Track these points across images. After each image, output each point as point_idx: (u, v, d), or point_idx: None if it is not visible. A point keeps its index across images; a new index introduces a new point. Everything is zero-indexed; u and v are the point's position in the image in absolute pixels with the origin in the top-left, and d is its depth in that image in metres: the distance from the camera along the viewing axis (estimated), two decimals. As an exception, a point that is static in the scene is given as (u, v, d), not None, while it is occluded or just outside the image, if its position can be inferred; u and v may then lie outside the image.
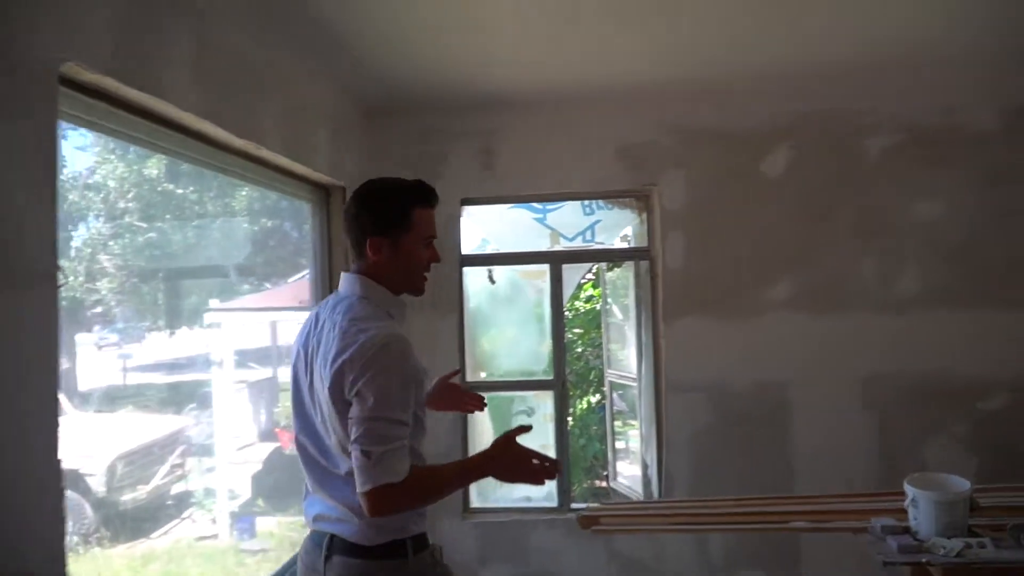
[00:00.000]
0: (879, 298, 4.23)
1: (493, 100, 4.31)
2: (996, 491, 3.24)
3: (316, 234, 4.00)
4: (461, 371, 2.86)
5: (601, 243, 4.65)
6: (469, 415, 4.32)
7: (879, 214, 4.24)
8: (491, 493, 4.61)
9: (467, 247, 4.63)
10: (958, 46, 3.72)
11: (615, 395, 5.53)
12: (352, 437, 1.86)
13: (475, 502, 4.54)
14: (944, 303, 4.19)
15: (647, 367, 4.48)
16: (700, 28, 3.35)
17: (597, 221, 4.63)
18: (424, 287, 2.16)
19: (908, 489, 2.88)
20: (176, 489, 8.77)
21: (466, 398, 2.64)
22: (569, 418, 7.52)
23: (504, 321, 4.75)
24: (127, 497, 8.00)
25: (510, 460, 2.00)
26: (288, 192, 3.80)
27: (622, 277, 4.81)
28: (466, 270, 4.54)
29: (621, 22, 3.25)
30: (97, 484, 7.76)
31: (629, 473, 5.36)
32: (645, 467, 4.53)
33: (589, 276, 6.79)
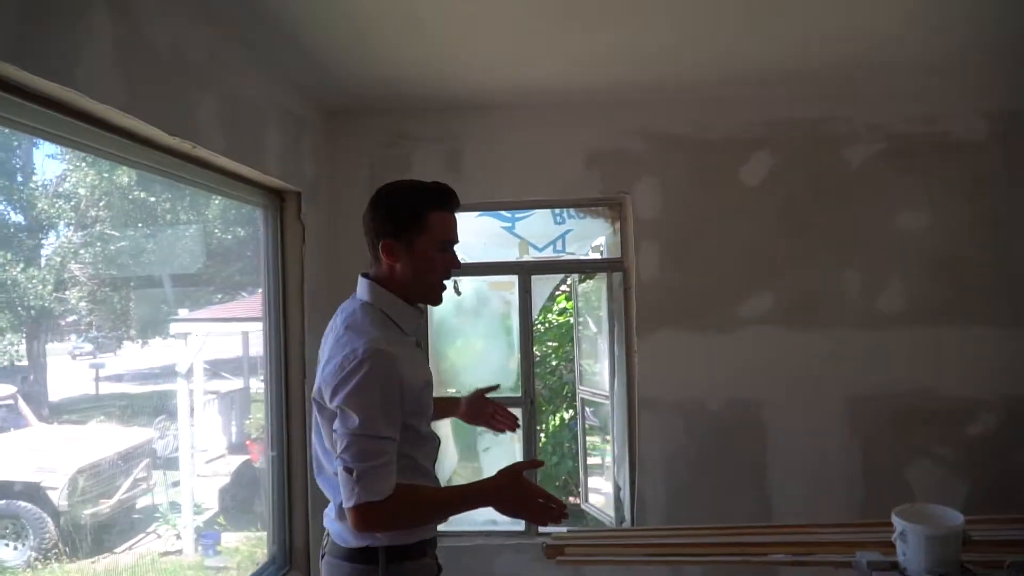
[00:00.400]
0: (861, 313, 4.05)
1: (459, 103, 4.12)
2: (990, 523, 3.03)
3: (268, 242, 3.77)
4: (497, 387, 2.69)
5: (572, 253, 4.45)
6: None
7: (861, 225, 4.06)
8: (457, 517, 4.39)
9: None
10: (939, 52, 3.56)
11: (588, 411, 5.32)
12: (337, 451, 1.84)
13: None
14: (929, 319, 4.02)
15: (619, 383, 4.28)
16: (675, 31, 3.17)
17: (568, 231, 4.43)
18: (441, 296, 2.08)
19: (896, 522, 2.67)
20: (141, 503, 8.54)
21: (497, 415, 2.53)
22: (541, 435, 7.32)
23: (471, 334, 4.53)
24: (89, 511, 7.74)
25: (516, 494, 1.92)
26: (236, 197, 3.57)
27: (595, 289, 4.62)
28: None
29: (593, 23, 3.06)
30: (59, 498, 7.50)
31: (606, 490, 5.14)
32: (617, 489, 4.32)
33: (564, 288, 6.60)
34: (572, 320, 5.27)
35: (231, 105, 3.05)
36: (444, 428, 4.38)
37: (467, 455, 4.57)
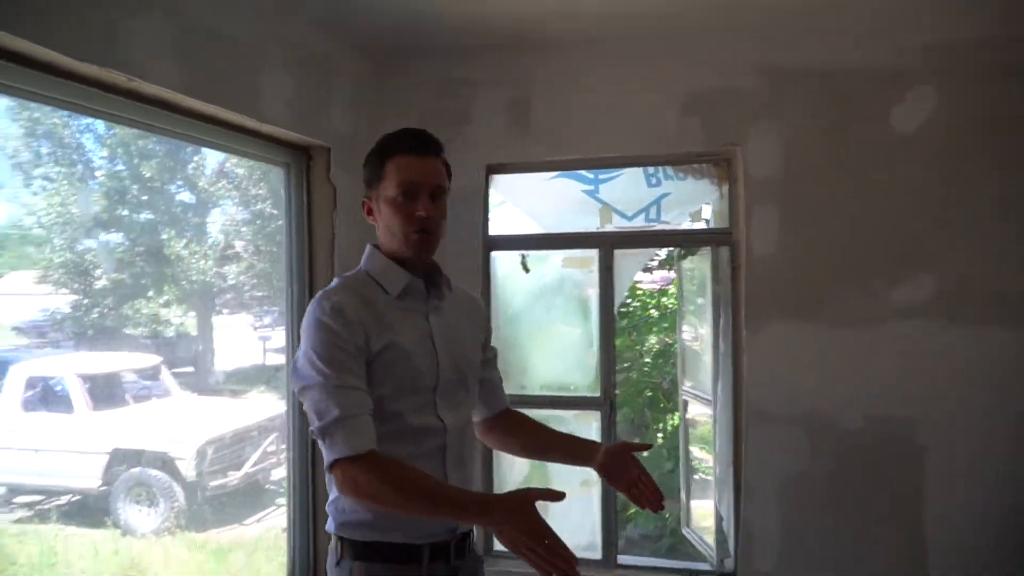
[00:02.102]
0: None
1: (525, 38, 3.36)
2: None
3: (290, 207, 3.20)
4: (650, 446, 2.23)
5: (667, 223, 3.60)
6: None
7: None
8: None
9: (499, 227, 3.70)
10: None
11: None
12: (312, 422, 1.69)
13: (499, 544, 3.61)
14: None
15: (723, 386, 3.41)
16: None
17: (664, 195, 3.58)
18: (415, 248, 1.80)
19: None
20: (271, 476, 8.60)
21: (640, 483, 1.96)
22: (659, 436, 6.42)
23: (543, 321, 3.78)
24: (216, 482, 7.85)
25: (520, 523, 1.59)
26: (245, 154, 3.03)
27: (700, 267, 3.75)
28: (495, 256, 3.63)
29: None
30: (186, 468, 7.64)
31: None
32: (719, 519, 3.47)
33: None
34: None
35: (192, 31, 2.43)
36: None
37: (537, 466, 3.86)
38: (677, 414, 6.33)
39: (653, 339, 6.63)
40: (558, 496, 1.63)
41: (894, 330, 3.09)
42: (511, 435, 2.10)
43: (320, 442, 1.64)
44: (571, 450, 2.10)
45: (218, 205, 12.83)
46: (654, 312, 6.55)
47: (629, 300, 6.61)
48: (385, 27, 3.24)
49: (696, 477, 4.16)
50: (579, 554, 3.34)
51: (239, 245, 12.96)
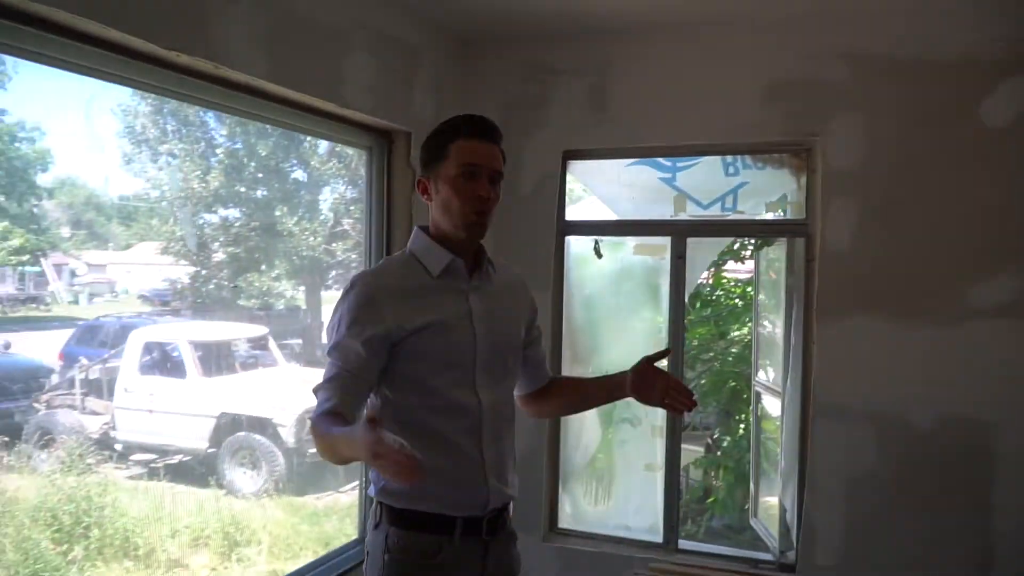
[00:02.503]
0: None
1: (605, 25, 3.38)
2: None
3: (371, 189, 3.35)
4: (668, 351, 2.54)
5: (742, 213, 3.56)
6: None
7: None
8: (585, 515, 3.76)
9: (579, 213, 3.76)
10: None
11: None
12: None
13: (563, 522, 3.70)
14: None
15: (792, 380, 3.37)
16: None
17: (742, 184, 3.53)
18: (469, 230, 1.86)
19: None
20: None
21: (671, 391, 2.00)
22: (742, 427, 6.30)
23: (614, 306, 3.81)
24: (315, 449, 8.21)
25: (372, 441, 1.47)
26: (330, 137, 3.22)
27: (778, 259, 3.69)
28: (569, 240, 3.68)
29: None
30: (287, 434, 8.03)
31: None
32: (783, 511, 3.44)
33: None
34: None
35: (279, 22, 2.59)
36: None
37: (601, 446, 3.90)
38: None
39: (738, 330, 6.51)
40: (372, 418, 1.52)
41: (972, 330, 2.98)
42: (551, 400, 2.18)
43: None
44: (606, 389, 2.14)
45: (328, 184, 13.30)
46: (739, 302, 6.42)
47: (713, 289, 6.51)
48: (468, 13, 3.32)
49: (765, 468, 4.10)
50: (641, 536, 3.43)
51: (347, 223, 13.39)
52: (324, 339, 1.86)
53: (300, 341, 12.39)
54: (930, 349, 3.04)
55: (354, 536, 3.44)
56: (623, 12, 3.25)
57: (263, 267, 12.32)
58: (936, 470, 3.04)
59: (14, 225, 9.12)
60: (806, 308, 3.28)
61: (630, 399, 2.05)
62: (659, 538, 3.52)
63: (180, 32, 2.19)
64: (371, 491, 1.91)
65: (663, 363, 2.17)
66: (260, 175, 12.20)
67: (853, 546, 3.13)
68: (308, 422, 1.91)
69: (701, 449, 6.90)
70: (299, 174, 13.01)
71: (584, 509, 3.76)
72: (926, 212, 3.07)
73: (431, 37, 3.51)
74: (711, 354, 6.35)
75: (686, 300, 3.58)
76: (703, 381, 6.39)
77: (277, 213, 12.30)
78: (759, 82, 3.27)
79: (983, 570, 2.98)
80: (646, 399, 2.03)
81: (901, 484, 3.08)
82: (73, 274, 14.30)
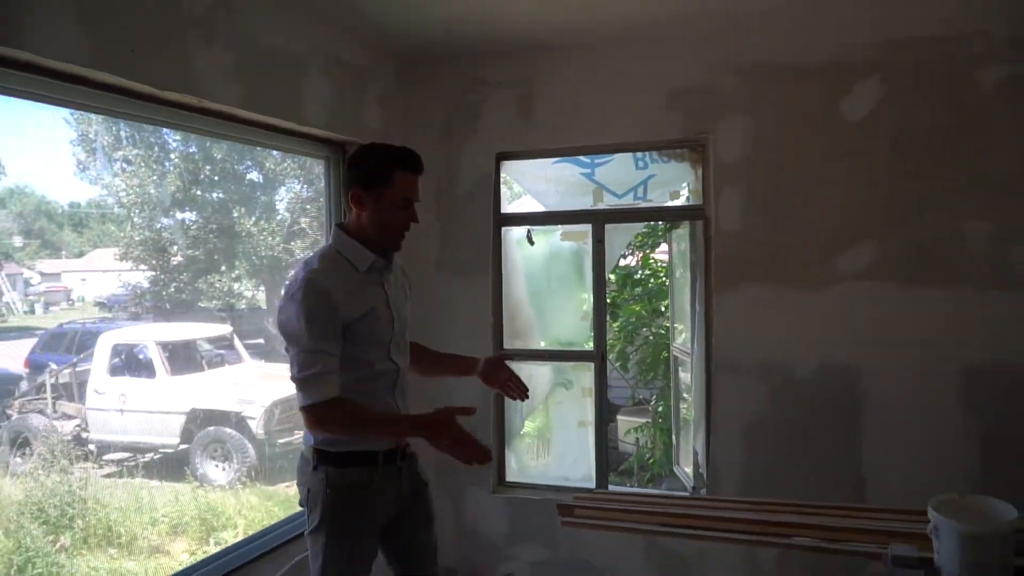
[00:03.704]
0: (989, 270, 3.41)
1: (529, 44, 3.90)
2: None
3: (329, 194, 3.84)
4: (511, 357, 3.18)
5: (650, 201, 4.11)
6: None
7: (994, 165, 3.39)
8: (528, 469, 4.31)
9: (520, 207, 4.27)
10: None
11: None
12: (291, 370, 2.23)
13: (510, 476, 4.23)
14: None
15: (698, 342, 3.94)
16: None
17: (651, 176, 4.08)
18: (400, 244, 2.40)
19: (931, 515, 2.25)
20: None
21: (510, 382, 2.70)
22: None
23: (546, 287, 4.36)
24: (284, 440, 8.44)
25: (442, 432, 2.21)
26: (291, 150, 3.68)
27: (685, 239, 4.25)
28: (505, 231, 4.20)
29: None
30: (256, 426, 8.29)
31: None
32: (695, 455, 4.01)
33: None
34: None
35: (247, 56, 3.06)
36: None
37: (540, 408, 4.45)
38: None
39: (667, 306, 7.16)
40: (470, 411, 2.26)
41: (839, 291, 3.57)
42: (415, 363, 2.62)
43: (297, 388, 2.19)
44: (458, 366, 2.79)
45: (284, 184, 13.46)
46: (666, 280, 7.03)
47: (644, 270, 7.11)
48: (410, 36, 3.77)
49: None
50: (577, 484, 3.96)
51: (304, 222, 13.63)
52: (278, 332, 2.25)
53: (262, 340, 12.58)
54: (807, 309, 3.62)
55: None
56: (545, 33, 3.76)
57: (223, 268, 12.45)
58: (816, 411, 3.63)
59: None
60: (706, 280, 3.85)
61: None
62: (592, 484, 4.07)
63: (166, 72, 2.66)
64: (306, 441, 2.35)
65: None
66: (216, 178, 12.33)
67: (751, 479, 3.71)
68: (299, 410, 2.22)
69: (648, 420, 7.46)
70: (255, 175, 13.19)
71: (527, 463, 4.31)
72: (800, 196, 3.64)
73: (378, 59, 3.99)
74: (646, 329, 6.93)
75: (607, 277, 4.13)
76: (641, 355, 6.98)
77: (235, 215, 12.46)
78: (661, 90, 3.81)
79: (857, 491, 3.57)
80: (490, 383, 2.71)
81: (788, 425, 3.67)
82: (27, 284, 14.29)
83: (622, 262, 6.99)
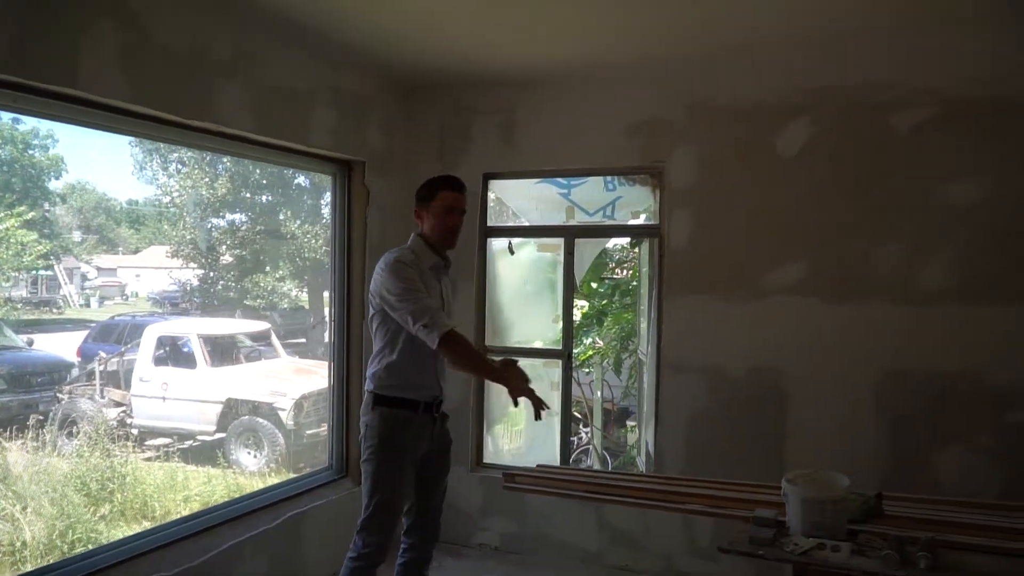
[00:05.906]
0: (901, 288, 3.88)
1: (513, 79, 4.49)
2: (915, 502, 2.97)
3: (336, 204, 4.46)
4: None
5: (614, 220, 4.65)
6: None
7: (907, 196, 3.87)
8: (502, 452, 4.87)
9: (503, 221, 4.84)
10: (998, 4, 3.36)
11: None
12: (409, 325, 2.85)
13: (487, 458, 4.80)
14: (975, 297, 3.76)
15: (651, 345, 4.47)
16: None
17: (618, 198, 4.63)
18: (452, 242, 3.14)
19: (783, 485, 2.79)
20: None
21: (522, 391, 3.03)
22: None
23: (524, 292, 4.92)
24: (311, 431, 8.97)
25: (519, 379, 2.93)
26: (304, 167, 4.29)
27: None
28: (490, 241, 4.78)
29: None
30: (287, 417, 8.82)
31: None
32: (646, 444, 4.54)
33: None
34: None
35: (262, 93, 3.69)
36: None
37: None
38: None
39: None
40: (512, 361, 3.02)
41: (769, 304, 4.08)
42: None
43: (425, 332, 2.79)
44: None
45: (329, 188, 13.73)
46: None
47: (631, 281, 7.62)
48: (409, 68, 4.39)
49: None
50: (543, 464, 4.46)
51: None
52: (393, 292, 2.86)
53: (304, 340, 13.00)
54: (741, 318, 4.13)
55: (325, 464, 4.56)
56: (526, 69, 4.35)
57: (267, 268, 12.97)
58: (747, 406, 4.13)
59: (30, 231, 9.63)
60: (659, 291, 4.38)
61: None
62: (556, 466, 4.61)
63: (192, 105, 3.32)
64: (367, 387, 3.05)
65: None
66: (264, 181, 12.88)
67: (691, 464, 4.21)
68: (432, 333, 2.78)
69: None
70: (301, 179, 13.79)
71: (502, 447, 4.87)
72: (738, 219, 4.15)
73: (380, 87, 4.62)
74: (624, 334, 7.42)
75: (576, 285, 4.69)
76: (625, 356, 7.46)
77: (281, 217, 13.02)
78: (622, 122, 4.37)
79: (777, 469, 3.98)
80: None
81: (724, 417, 4.17)
82: (84, 278, 14.97)
83: (619, 273, 7.52)
